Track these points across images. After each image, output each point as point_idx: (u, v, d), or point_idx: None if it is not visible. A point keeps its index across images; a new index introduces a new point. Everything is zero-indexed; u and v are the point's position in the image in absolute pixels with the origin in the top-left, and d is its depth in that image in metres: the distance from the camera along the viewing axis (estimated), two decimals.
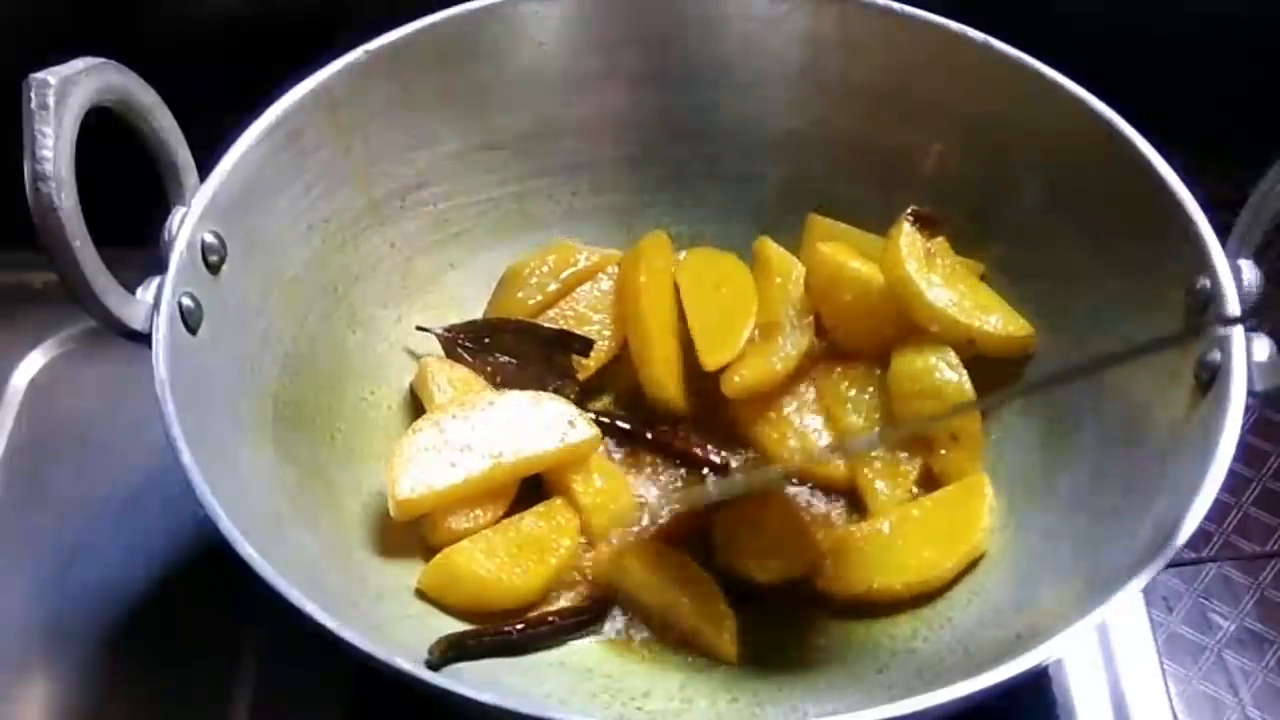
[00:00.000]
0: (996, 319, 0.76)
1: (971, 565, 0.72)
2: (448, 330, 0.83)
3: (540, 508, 0.75)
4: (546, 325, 0.82)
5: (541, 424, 0.75)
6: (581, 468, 0.76)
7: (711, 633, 0.71)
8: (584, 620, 0.72)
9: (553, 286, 0.84)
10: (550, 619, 0.71)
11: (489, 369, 0.82)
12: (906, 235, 0.76)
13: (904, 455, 0.77)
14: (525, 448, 0.74)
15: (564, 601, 0.73)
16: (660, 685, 0.69)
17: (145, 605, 0.78)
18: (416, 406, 0.81)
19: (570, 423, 0.76)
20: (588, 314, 0.84)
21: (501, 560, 0.72)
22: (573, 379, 0.82)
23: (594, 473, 0.76)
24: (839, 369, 0.80)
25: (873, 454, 0.77)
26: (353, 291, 0.81)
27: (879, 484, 0.76)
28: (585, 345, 0.82)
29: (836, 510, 0.78)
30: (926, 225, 0.77)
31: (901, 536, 0.73)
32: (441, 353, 0.83)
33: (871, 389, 0.79)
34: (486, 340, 0.82)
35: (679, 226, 0.87)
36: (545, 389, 0.79)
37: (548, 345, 0.82)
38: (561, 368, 0.81)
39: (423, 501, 0.72)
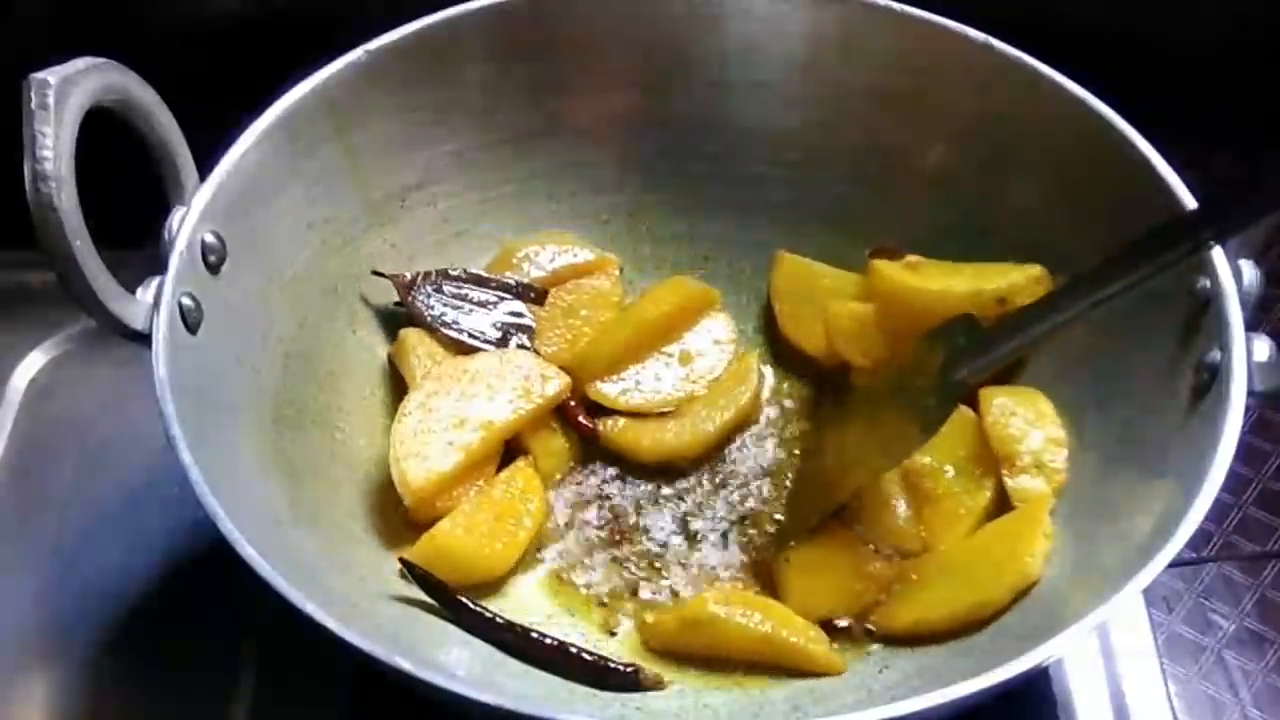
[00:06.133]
0: (1007, 273, 0.74)
1: (1026, 590, 0.68)
2: (402, 276, 0.82)
3: (506, 474, 0.76)
4: (498, 276, 0.83)
5: (516, 383, 0.77)
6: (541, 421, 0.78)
7: (818, 652, 0.69)
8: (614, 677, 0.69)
9: (537, 273, 0.84)
10: (575, 650, 0.70)
11: (445, 317, 0.81)
12: (882, 263, 0.78)
13: (970, 490, 0.74)
14: (509, 411, 0.76)
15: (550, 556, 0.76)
16: None
17: (145, 605, 0.78)
18: None
19: (542, 377, 0.77)
20: (575, 307, 0.84)
21: (482, 534, 0.73)
22: (529, 328, 0.82)
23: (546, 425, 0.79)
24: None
25: (939, 493, 0.74)
26: (353, 291, 0.81)
27: (942, 525, 0.74)
28: (540, 295, 0.82)
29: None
30: (889, 256, 0.79)
31: (956, 566, 0.71)
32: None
33: None
34: (443, 288, 0.82)
35: (678, 225, 0.88)
36: (504, 336, 0.80)
37: (502, 293, 0.82)
38: (517, 315, 0.82)
39: (434, 486, 0.72)
